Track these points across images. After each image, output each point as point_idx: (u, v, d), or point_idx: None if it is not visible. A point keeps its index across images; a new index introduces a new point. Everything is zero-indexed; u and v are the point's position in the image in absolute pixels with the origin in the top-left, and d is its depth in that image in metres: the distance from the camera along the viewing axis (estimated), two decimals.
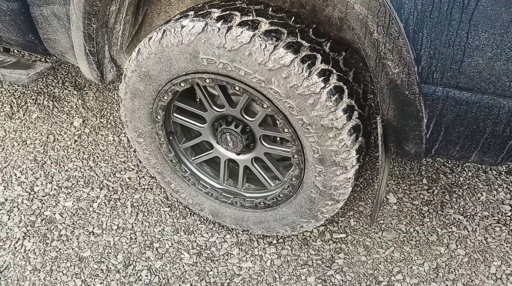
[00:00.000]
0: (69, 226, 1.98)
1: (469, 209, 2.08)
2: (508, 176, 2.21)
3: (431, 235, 1.98)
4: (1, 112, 2.48)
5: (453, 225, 2.02)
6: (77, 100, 2.54)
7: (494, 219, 2.04)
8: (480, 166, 2.26)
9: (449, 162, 2.28)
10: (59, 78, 2.68)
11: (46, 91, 2.60)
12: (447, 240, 1.97)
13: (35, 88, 2.62)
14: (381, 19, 1.16)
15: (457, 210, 2.08)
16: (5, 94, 2.58)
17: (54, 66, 2.72)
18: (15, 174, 2.18)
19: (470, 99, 1.21)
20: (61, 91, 2.60)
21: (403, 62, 1.19)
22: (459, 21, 1.12)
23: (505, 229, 2.01)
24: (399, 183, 2.18)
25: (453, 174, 2.23)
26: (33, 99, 2.55)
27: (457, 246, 1.95)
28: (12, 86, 2.61)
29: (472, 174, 2.23)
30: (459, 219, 2.04)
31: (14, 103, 2.53)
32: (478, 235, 1.98)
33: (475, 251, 1.93)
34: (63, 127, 2.41)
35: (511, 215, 2.06)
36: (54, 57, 2.56)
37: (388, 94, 1.27)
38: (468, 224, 2.03)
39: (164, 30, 1.46)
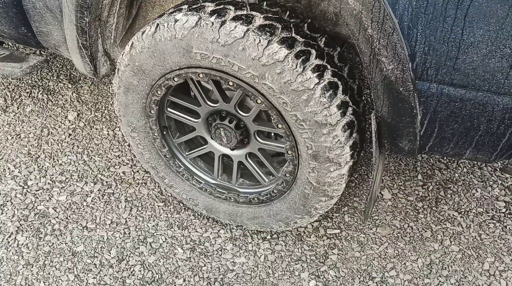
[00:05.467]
0: (62, 220, 1.97)
1: (463, 205, 2.08)
2: (502, 172, 2.21)
3: (425, 231, 1.98)
4: None
5: (447, 221, 2.02)
6: (72, 94, 2.53)
7: (489, 216, 2.05)
8: (475, 162, 2.26)
9: (444, 158, 2.28)
10: (53, 71, 2.66)
11: (41, 84, 2.58)
12: (441, 236, 1.97)
13: (29, 81, 2.59)
14: (376, 15, 1.15)
15: (452, 206, 2.08)
16: None
17: (48, 59, 2.70)
18: (8, 168, 2.17)
19: (464, 96, 1.21)
20: (56, 84, 2.58)
21: (398, 58, 1.18)
22: (454, 18, 1.11)
23: (499, 226, 2.01)
24: (394, 179, 2.18)
25: (448, 170, 2.23)
26: (27, 92, 2.53)
27: (451, 242, 1.95)
28: (6, 79, 2.59)
29: (467, 170, 2.23)
30: (453, 215, 2.04)
31: (8, 96, 2.51)
32: (472, 232, 1.99)
33: (469, 247, 1.93)
34: (57, 120, 2.39)
35: (505, 212, 2.06)
36: (48, 50, 2.54)
37: (382, 90, 1.27)
38: (462, 220, 2.03)
39: (158, 24, 1.44)
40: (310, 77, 1.33)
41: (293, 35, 1.37)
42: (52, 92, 2.54)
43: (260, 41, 1.32)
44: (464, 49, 1.13)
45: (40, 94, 2.52)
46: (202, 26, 1.36)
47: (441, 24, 1.12)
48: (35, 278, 1.79)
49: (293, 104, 1.37)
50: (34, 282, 1.78)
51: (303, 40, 1.38)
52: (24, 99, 2.50)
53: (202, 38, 1.37)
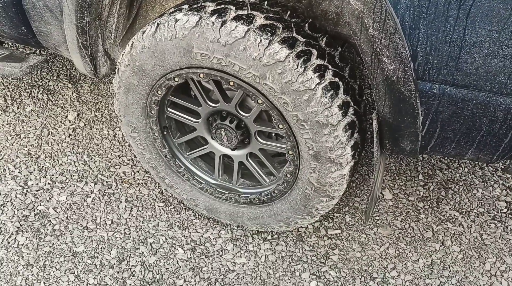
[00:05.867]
0: (62, 220, 1.97)
1: (464, 205, 2.08)
2: (504, 172, 2.20)
3: (426, 231, 1.98)
4: None
5: (448, 221, 2.02)
6: (72, 93, 2.52)
7: (490, 216, 2.04)
8: (476, 162, 2.26)
9: (445, 158, 2.27)
10: (53, 71, 2.66)
11: (41, 84, 2.58)
12: (442, 236, 1.96)
13: (29, 81, 2.59)
14: (377, 15, 1.14)
15: (453, 207, 2.07)
16: None
17: (48, 59, 2.69)
18: (8, 168, 2.16)
19: (466, 97, 1.20)
20: (56, 84, 2.58)
21: (399, 58, 1.18)
22: (456, 17, 1.10)
23: (501, 226, 2.00)
24: (395, 179, 2.17)
25: (449, 170, 2.22)
26: (27, 92, 2.53)
27: (452, 242, 1.94)
28: (6, 79, 2.59)
29: (468, 170, 2.22)
30: (454, 215, 2.04)
31: (8, 96, 2.50)
32: (474, 232, 1.98)
33: (470, 247, 1.93)
34: (57, 120, 2.39)
35: (506, 212, 2.06)
36: (47, 50, 2.54)
37: (384, 90, 1.26)
38: (463, 220, 2.02)
39: (158, 24, 1.44)
40: (311, 77, 1.33)
41: (294, 35, 1.36)
42: (52, 92, 2.53)
43: (261, 41, 1.31)
44: (466, 49, 1.13)
45: (40, 94, 2.52)
46: (203, 26, 1.35)
47: (443, 24, 1.11)
48: (36, 278, 1.79)
49: (294, 104, 1.37)
50: (35, 282, 1.78)
51: (304, 40, 1.37)
52: (24, 99, 2.49)
53: (202, 38, 1.36)
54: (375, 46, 1.18)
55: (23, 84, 2.58)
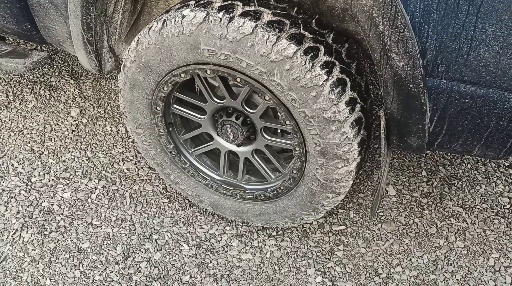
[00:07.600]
0: (67, 217, 1.97)
1: (468, 201, 2.09)
2: (507, 168, 2.21)
3: (430, 227, 1.98)
4: None
5: (452, 217, 2.02)
6: (74, 90, 2.51)
7: (493, 212, 2.05)
8: (479, 158, 2.26)
9: (449, 154, 2.27)
10: (55, 67, 2.64)
11: (43, 80, 2.57)
12: (446, 232, 1.97)
13: (31, 77, 2.58)
14: (387, 11, 1.14)
15: (456, 203, 2.08)
16: (0, 83, 2.54)
17: (50, 55, 2.68)
18: (12, 165, 2.16)
19: (475, 93, 1.20)
20: (58, 80, 2.57)
21: (408, 55, 1.18)
22: (466, 14, 1.10)
23: (504, 222, 2.01)
24: (399, 175, 2.18)
25: (452, 166, 2.23)
26: (29, 88, 2.52)
27: (456, 238, 1.95)
28: (8, 75, 2.58)
29: (471, 166, 2.23)
30: (458, 211, 2.05)
31: (10, 92, 2.49)
32: (477, 228, 1.99)
33: (474, 243, 1.94)
34: (60, 117, 2.38)
35: (509, 208, 2.07)
36: (51, 46, 2.53)
37: (392, 87, 1.26)
38: (467, 216, 2.03)
39: (165, 20, 1.43)
40: (319, 74, 1.33)
41: (302, 31, 1.36)
42: (54, 88, 2.52)
43: (268, 37, 1.31)
44: (476, 46, 1.13)
45: (42, 90, 2.51)
46: (210, 22, 1.35)
47: (452, 21, 1.11)
48: (41, 275, 1.79)
49: (302, 100, 1.37)
50: (40, 279, 1.78)
51: (312, 36, 1.37)
52: (26, 95, 2.48)
53: (210, 34, 1.36)
54: (384, 42, 1.18)
55: (25, 80, 2.56)
